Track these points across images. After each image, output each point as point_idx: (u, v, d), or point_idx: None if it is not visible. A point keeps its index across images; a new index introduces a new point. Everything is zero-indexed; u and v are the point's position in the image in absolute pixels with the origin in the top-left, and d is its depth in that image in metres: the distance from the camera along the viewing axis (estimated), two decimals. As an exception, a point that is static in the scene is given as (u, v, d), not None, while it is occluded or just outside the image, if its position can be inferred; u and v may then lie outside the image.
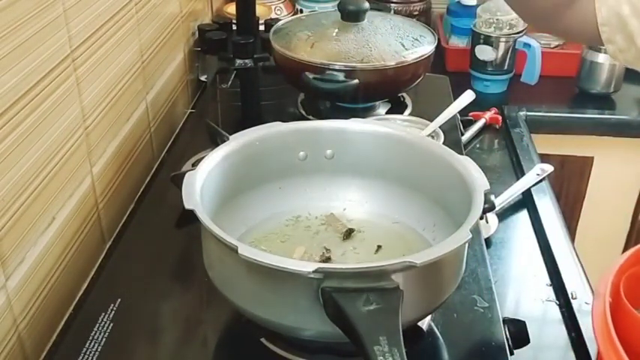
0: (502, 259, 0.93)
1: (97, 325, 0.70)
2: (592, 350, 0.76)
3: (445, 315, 0.71)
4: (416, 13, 1.56)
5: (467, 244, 0.63)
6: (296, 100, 1.15)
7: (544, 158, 1.19)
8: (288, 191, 0.79)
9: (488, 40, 1.38)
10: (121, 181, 0.93)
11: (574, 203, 1.46)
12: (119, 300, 0.73)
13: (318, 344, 0.65)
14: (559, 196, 1.13)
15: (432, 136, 1.01)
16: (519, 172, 1.13)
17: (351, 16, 1.08)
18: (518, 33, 1.38)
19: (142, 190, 1.00)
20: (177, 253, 0.82)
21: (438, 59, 1.28)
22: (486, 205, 0.64)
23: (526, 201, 1.05)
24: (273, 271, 0.56)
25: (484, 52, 1.39)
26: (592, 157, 1.42)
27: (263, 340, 0.67)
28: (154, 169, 1.06)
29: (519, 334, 0.72)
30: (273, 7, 1.48)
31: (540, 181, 1.08)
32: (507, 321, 0.72)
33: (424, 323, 0.69)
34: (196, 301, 0.76)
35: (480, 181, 0.67)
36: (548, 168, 1.11)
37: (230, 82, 1.16)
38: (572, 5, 0.72)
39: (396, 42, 1.06)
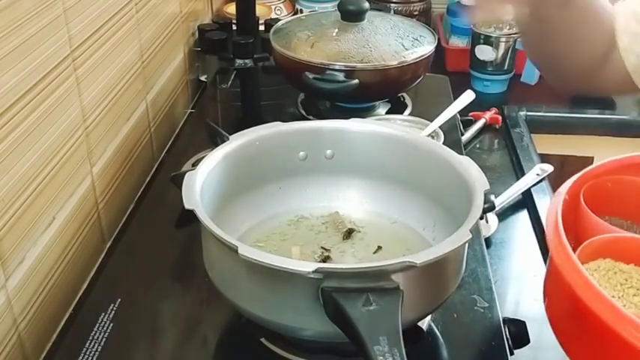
0: (502, 259, 0.92)
1: (97, 325, 0.70)
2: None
3: (445, 315, 0.71)
4: (416, 13, 1.56)
5: (467, 244, 0.63)
6: (296, 100, 1.15)
7: (544, 158, 1.19)
8: (288, 191, 0.78)
9: (488, 40, 1.38)
10: (121, 181, 0.93)
11: (574, 203, 1.45)
12: (119, 300, 0.73)
13: (318, 344, 0.65)
14: (559, 196, 1.13)
15: (432, 136, 1.01)
16: (519, 172, 1.13)
17: (351, 16, 1.08)
18: (518, 33, 1.38)
19: (142, 190, 1.00)
20: (177, 253, 0.82)
21: (438, 59, 1.28)
22: (486, 205, 0.64)
23: (526, 201, 1.05)
24: (273, 271, 0.56)
25: (484, 52, 1.39)
26: (592, 157, 1.41)
27: (263, 340, 0.67)
28: (154, 169, 1.06)
29: (519, 334, 0.72)
30: (273, 7, 1.48)
31: (540, 181, 1.08)
32: (507, 321, 0.72)
33: (424, 323, 0.69)
34: (196, 301, 0.76)
35: (479, 181, 0.67)
36: (548, 168, 1.10)
37: (230, 82, 1.16)
38: (604, 64, 0.72)
39: (396, 42, 1.06)
